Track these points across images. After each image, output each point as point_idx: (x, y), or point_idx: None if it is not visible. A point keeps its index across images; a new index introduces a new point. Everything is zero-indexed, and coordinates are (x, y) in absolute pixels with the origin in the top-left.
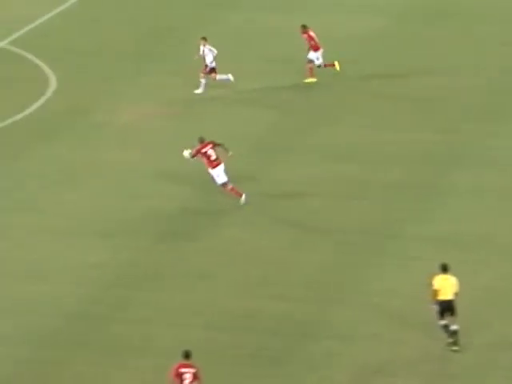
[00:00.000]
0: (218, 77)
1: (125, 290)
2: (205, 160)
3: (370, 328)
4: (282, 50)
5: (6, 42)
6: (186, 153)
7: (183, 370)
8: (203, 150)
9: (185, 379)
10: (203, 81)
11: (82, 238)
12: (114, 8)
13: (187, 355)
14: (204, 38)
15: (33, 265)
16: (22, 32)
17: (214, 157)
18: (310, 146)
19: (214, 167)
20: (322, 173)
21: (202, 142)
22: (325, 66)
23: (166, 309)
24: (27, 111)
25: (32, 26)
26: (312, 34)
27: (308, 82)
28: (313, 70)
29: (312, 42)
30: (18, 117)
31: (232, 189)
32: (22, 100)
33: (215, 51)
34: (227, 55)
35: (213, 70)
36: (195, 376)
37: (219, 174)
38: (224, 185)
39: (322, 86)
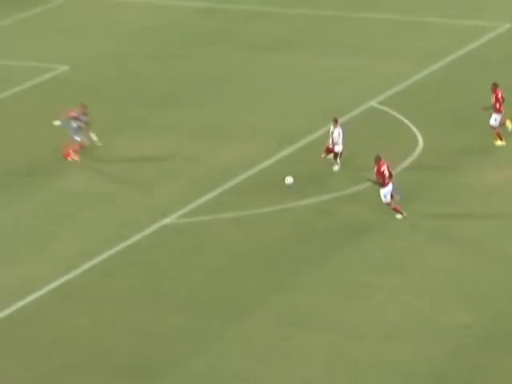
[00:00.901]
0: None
1: (484, 355)
2: (381, 179)
3: None
4: None
5: (376, 100)
6: (289, 179)
7: None
8: (381, 169)
9: None
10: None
11: (444, 297)
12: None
13: None
14: (335, 120)
15: (393, 323)
16: (393, 91)
17: (387, 175)
18: None
19: (385, 185)
20: None
21: (379, 160)
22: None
23: None
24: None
25: (405, 84)
26: (500, 94)
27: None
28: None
29: (497, 103)
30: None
31: (394, 207)
32: (393, 158)
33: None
34: None
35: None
36: None
37: (386, 195)
38: (390, 201)
39: None
